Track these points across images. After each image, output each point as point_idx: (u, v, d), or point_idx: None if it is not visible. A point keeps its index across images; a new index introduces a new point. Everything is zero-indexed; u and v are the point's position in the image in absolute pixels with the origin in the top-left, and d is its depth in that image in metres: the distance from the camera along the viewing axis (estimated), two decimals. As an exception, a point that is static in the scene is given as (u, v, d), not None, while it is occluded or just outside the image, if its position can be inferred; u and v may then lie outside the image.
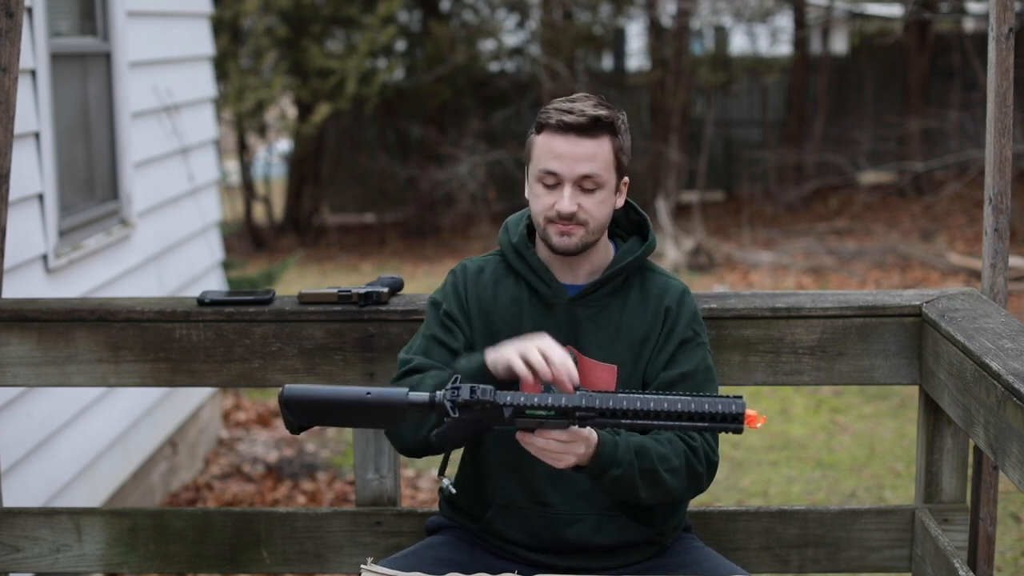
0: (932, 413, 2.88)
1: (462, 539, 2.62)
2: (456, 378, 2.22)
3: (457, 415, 2.19)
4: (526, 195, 2.56)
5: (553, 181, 2.46)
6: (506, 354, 2.32)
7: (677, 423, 2.17)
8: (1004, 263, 2.85)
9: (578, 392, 2.20)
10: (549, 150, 2.45)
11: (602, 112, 2.44)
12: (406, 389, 2.24)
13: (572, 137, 2.43)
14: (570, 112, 2.43)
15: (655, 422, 2.18)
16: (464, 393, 2.18)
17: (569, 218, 2.44)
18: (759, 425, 2.17)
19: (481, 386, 2.19)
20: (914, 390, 3.24)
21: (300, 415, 2.26)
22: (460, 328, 2.55)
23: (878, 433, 6.61)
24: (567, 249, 2.48)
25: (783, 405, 7.17)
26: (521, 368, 2.29)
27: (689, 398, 2.17)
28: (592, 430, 2.28)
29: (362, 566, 2.51)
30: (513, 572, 2.50)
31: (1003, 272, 2.85)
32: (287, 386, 2.25)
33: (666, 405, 2.16)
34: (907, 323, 2.87)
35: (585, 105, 2.45)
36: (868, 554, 2.97)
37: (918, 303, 2.87)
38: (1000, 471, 2.52)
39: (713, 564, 2.56)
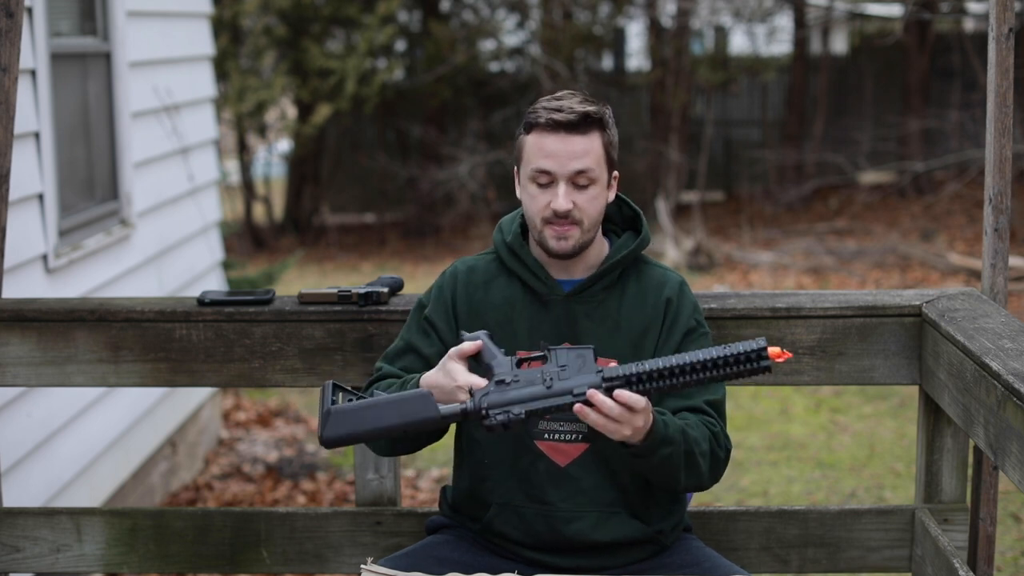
0: (932, 413, 2.88)
1: (462, 538, 2.62)
2: (486, 411, 2.27)
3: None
4: (518, 195, 2.56)
5: (547, 180, 2.46)
6: (450, 394, 2.35)
7: (710, 373, 2.21)
8: (1004, 263, 2.85)
9: (598, 372, 2.27)
10: (540, 149, 2.45)
11: (590, 108, 2.45)
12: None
13: (563, 134, 2.44)
14: (559, 110, 2.44)
15: (685, 379, 2.22)
16: (495, 421, 2.26)
17: (565, 216, 2.45)
18: (781, 361, 2.20)
19: (513, 413, 2.25)
20: (914, 390, 3.24)
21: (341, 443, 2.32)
22: (438, 334, 2.57)
23: (878, 433, 6.61)
24: (564, 252, 2.49)
25: (783, 405, 7.17)
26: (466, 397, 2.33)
27: (709, 348, 2.22)
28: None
29: (362, 566, 2.51)
30: (513, 572, 2.50)
31: (1003, 272, 2.85)
32: (324, 438, 2.27)
33: (688, 358, 2.21)
34: (907, 323, 2.87)
35: (572, 102, 2.46)
36: (868, 554, 2.97)
37: (918, 303, 2.87)
38: (1000, 471, 2.52)
39: (713, 564, 2.56)
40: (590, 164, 2.45)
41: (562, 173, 2.44)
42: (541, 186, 2.47)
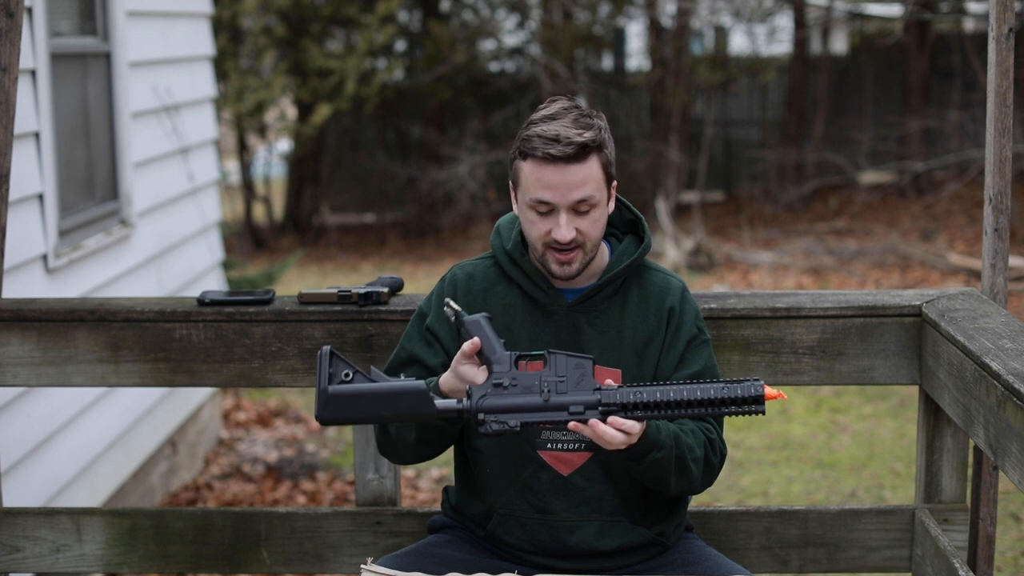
0: (932, 413, 2.88)
1: (464, 538, 2.62)
2: (482, 417, 2.30)
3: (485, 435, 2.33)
4: (516, 213, 2.53)
5: (546, 209, 2.42)
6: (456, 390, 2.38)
7: (706, 410, 2.25)
8: (1004, 263, 2.85)
9: (598, 390, 2.28)
10: (538, 180, 2.40)
11: (587, 136, 2.39)
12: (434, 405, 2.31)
13: (561, 166, 2.38)
14: (556, 141, 2.37)
15: (679, 412, 2.26)
16: (490, 430, 2.30)
17: (567, 244, 2.43)
18: (776, 400, 2.26)
19: (508, 425, 2.28)
20: (914, 390, 3.24)
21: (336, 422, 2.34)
22: (441, 344, 2.55)
23: (878, 433, 6.61)
24: (568, 276, 2.47)
25: (783, 405, 7.17)
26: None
27: (708, 385, 2.26)
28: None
29: (362, 566, 2.51)
30: (513, 572, 2.50)
31: (1003, 272, 2.85)
32: (320, 418, 2.30)
33: (686, 394, 2.25)
34: (907, 323, 2.87)
35: (569, 130, 2.38)
36: (868, 554, 2.97)
37: (918, 303, 2.87)
38: (1000, 471, 2.52)
39: (714, 563, 2.56)
40: (591, 192, 2.40)
41: (563, 203, 2.40)
42: (541, 214, 2.43)
